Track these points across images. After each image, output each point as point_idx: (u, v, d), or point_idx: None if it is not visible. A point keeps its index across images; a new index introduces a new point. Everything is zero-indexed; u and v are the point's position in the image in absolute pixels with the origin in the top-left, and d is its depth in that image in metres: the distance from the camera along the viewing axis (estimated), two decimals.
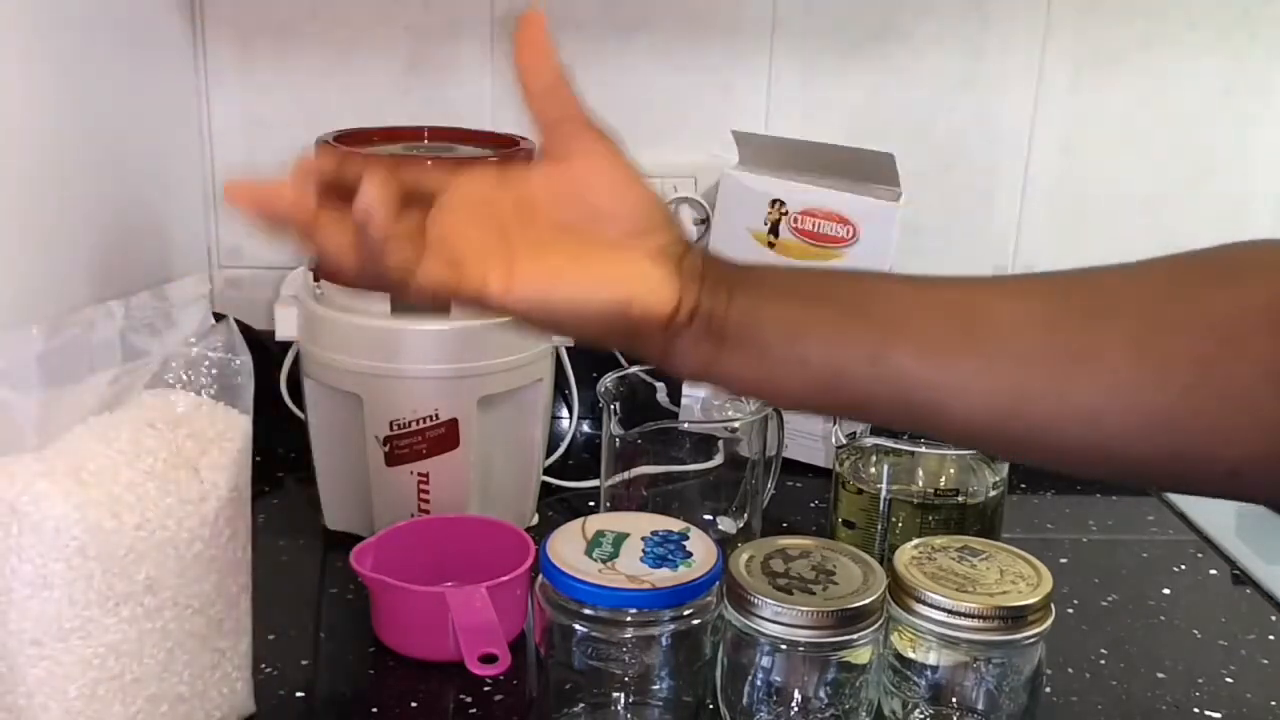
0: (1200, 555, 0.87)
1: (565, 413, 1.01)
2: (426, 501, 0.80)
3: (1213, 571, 0.85)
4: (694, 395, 0.86)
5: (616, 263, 0.49)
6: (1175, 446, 0.46)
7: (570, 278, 0.49)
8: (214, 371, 0.61)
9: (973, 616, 0.61)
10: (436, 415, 0.78)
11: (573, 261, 0.49)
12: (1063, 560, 0.85)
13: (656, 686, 0.64)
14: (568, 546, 0.64)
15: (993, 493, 0.78)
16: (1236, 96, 1.04)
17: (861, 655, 0.62)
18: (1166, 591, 0.82)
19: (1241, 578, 0.84)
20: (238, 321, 0.98)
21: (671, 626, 0.62)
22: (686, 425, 0.83)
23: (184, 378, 0.60)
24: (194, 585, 0.57)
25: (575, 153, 0.51)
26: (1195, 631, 0.78)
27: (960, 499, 0.78)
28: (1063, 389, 0.46)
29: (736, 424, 0.82)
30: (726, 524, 0.81)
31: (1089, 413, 0.46)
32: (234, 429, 0.60)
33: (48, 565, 0.53)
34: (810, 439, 0.96)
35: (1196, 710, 0.70)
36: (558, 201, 0.50)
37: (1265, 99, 1.05)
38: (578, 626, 0.62)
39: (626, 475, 0.80)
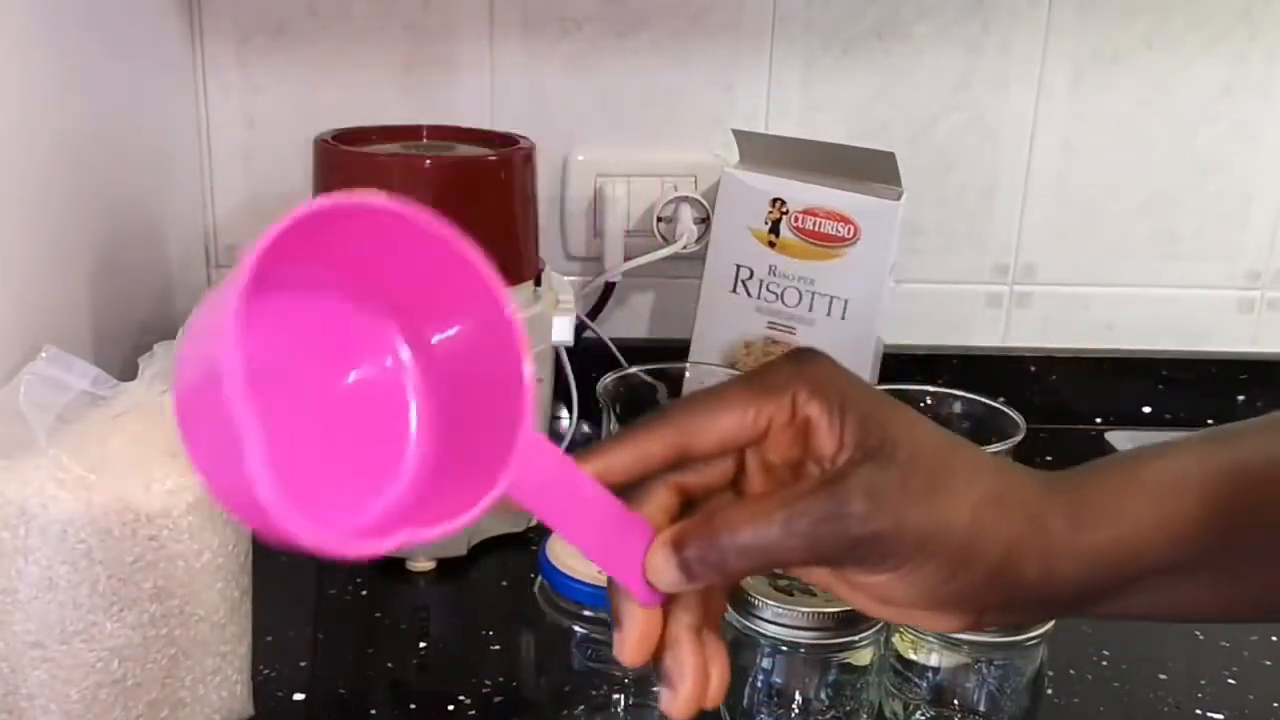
0: None
1: (565, 413, 1.00)
2: None
3: None
4: None
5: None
6: None
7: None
8: None
9: None
10: None
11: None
12: None
13: (656, 689, 0.64)
14: (567, 548, 0.63)
15: None
16: (1237, 96, 1.04)
17: (863, 657, 0.62)
18: None
19: None
20: None
21: None
22: None
23: None
24: (201, 594, 0.57)
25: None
26: (1197, 633, 0.78)
27: None
28: None
29: None
30: None
31: None
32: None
33: (54, 568, 0.53)
34: None
35: (1199, 712, 0.69)
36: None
37: (1265, 99, 1.04)
38: (577, 628, 0.62)
39: None
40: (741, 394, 0.43)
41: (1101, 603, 0.44)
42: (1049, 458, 1.02)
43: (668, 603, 0.44)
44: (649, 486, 0.44)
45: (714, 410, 0.43)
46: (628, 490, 0.44)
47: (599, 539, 0.42)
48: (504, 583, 0.81)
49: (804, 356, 0.45)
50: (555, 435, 0.95)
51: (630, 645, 0.44)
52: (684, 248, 1.01)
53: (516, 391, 0.38)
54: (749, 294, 0.96)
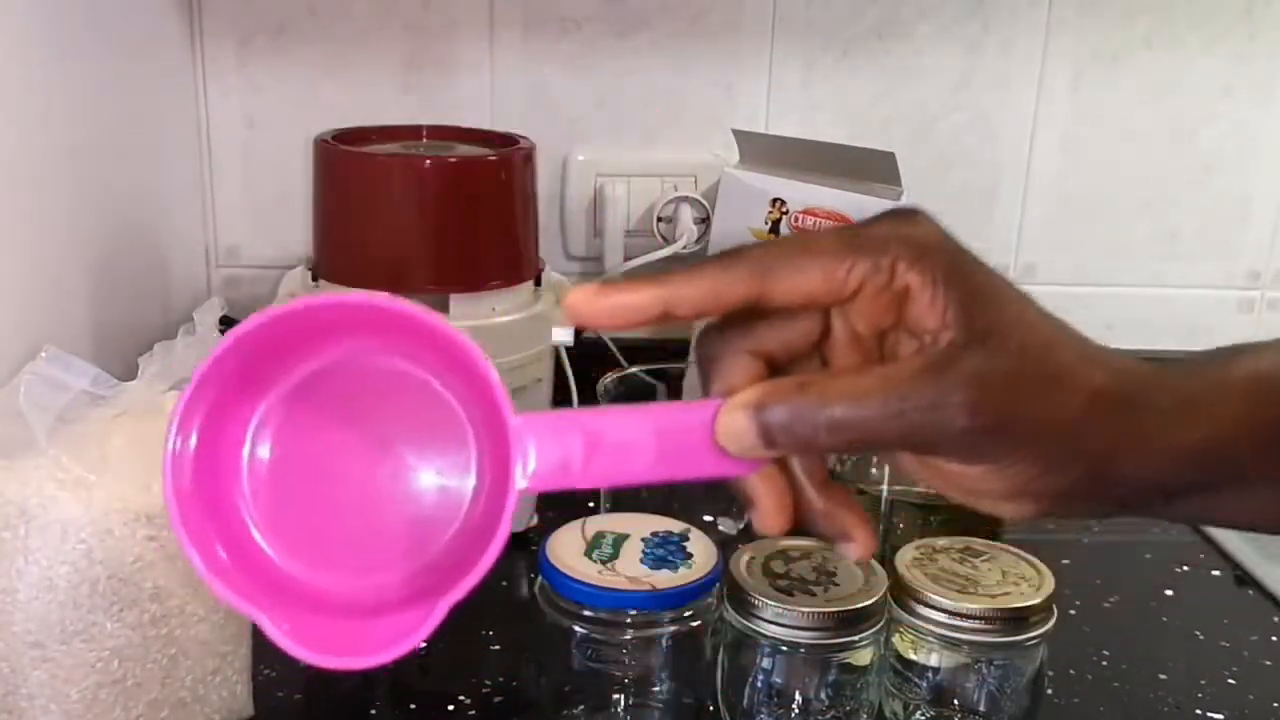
0: (1203, 556, 0.87)
1: None
2: None
3: (1215, 573, 0.85)
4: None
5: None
6: None
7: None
8: None
9: (974, 618, 0.61)
10: None
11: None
12: (1065, 561, 0.85)
13: (656, 689, 0.64)
14: (567, 548, 0.63)
15: None
16: (1237, 96, 1.04)
17: (863, 657, 0.62)
18: (1169, 593, 0.82)
19: (1244, 579, 0.84)
20: (237, 321, 0.98)
21: (672, 628, 0.62)
22: None
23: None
24: (201, 594, 0.57)
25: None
26: (1198, 633, 0.77)
27: None
28: None
29: None
30: (727, 525, 0.81)
31: None
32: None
33: (54, 568, 0.53)
34: None
35: (1199, 712, 0.69)
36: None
37: (1266, 99, 1.04)
38: (577, 628, 0.62)
39: None
40: (835, 246, 0.39)
41: (1178, 503, 0.43)
42: None
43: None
44: (728, 358, 0.41)
45: (801, 258, 0.39)
46: (708, 362, 0.41)
47: (655, 464, 0.39)
48: (504, 583, 0.81)
49: (909, 217, 0.40)
50: None
51: (769, 517, 0.41)
52: (684, 248, 1.01)
53: (491, 397, 0.38)
54: None
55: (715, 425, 0.39)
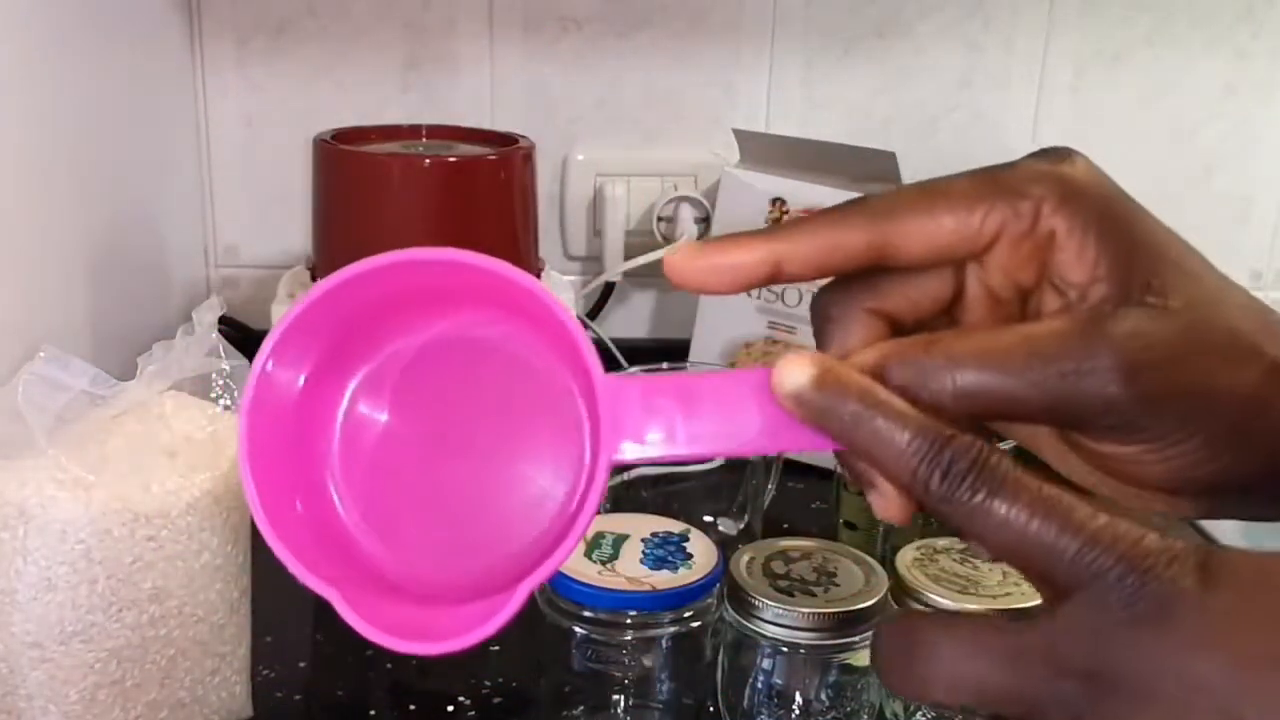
0: None
1: None
2: None
3: None
4: None
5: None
6: None
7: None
8: (215, 378, 0.61)
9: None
10: None
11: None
12: None
13: (656, 689, 0.64)
14: None
15: None
16: (1238, 96, 1.04)
17: (863, 658, 0.62)
18: None
19: None
20: (236, 321, 0.98)
21: (671, 629, 0.62)
22: None
23: (189, 385, 0.60)
24: (200, 594, 0.57)
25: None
26: None
27: None
28: None
29: None
30: (727, 525, 0.81)
31: None
32: (235, 434, 0.60)
33: (53, 568, 0.53)
34: None
35: None
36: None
37: (1267, 98, 1.04)
38: (577, 629, 0.61)
39: (626, 475, 0.79)
40: (968, 188, 0.35)
41: None
42: None
43: None
44: (846, 317, 0.36)
45: (929, 204, 0.34)
46: (824, 323, 0.36)
47: (759, 434, 0.34)
48: None
49: (1058, 154, 0.36)
50: None
51: (891, 502, 0.34)
52: None
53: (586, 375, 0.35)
54: (749, 294, 0.96)
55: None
